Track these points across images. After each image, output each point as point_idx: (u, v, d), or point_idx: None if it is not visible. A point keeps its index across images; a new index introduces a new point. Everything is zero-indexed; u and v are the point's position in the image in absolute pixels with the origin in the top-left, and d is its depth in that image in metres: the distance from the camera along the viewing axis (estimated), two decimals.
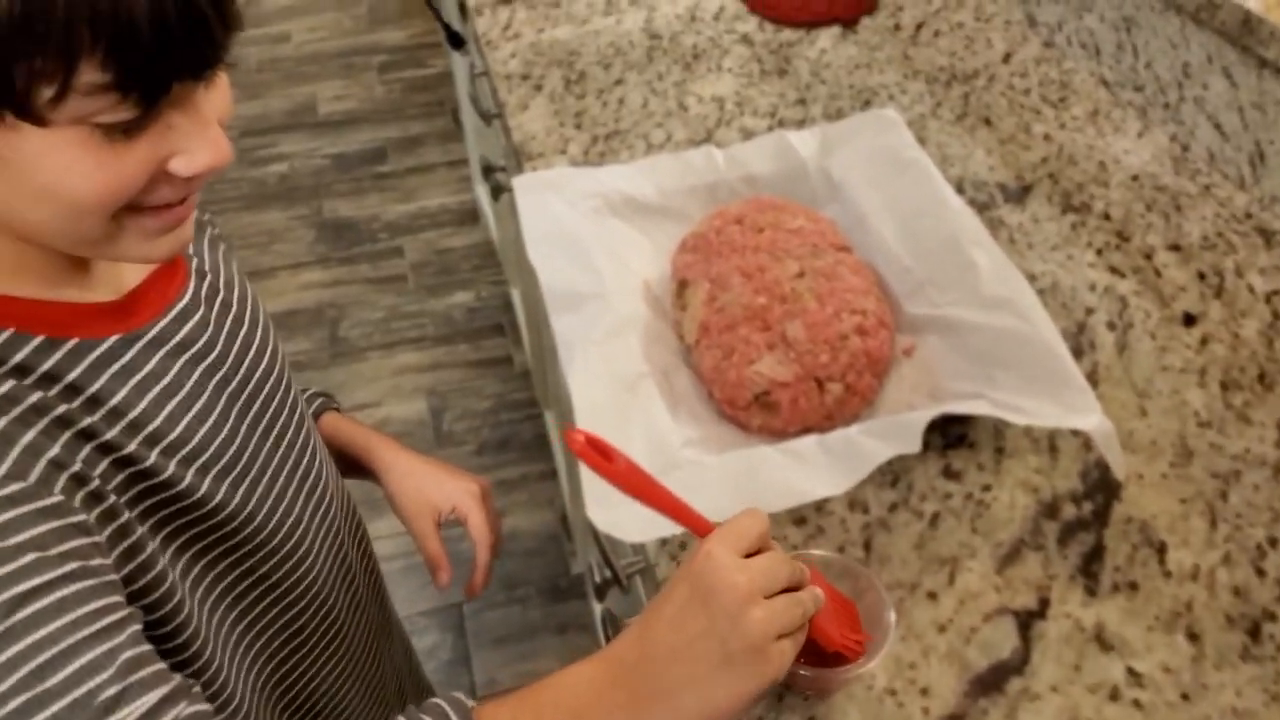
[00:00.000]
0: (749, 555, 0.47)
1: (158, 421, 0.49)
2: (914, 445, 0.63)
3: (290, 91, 2.77)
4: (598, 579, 0.76)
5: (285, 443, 0.60)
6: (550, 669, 0.48)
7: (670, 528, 0.61)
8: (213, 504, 0.52)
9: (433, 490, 0.73)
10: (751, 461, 0.65)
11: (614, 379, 0.70)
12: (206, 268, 0.58)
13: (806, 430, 0.70)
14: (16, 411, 0.43)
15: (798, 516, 0.66)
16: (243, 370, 0.57)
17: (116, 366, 0.48)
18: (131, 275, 0.51)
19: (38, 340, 0.45)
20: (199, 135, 0.42)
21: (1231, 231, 0.87)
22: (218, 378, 0.54)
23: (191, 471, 0.51)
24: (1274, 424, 0.71)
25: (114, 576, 0.43)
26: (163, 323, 0.52)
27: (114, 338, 0.49)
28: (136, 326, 0.50)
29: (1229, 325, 0.78)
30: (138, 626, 0.43)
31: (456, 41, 1.49)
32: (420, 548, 0.73)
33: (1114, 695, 0.56)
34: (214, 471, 0.53)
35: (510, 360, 1.95)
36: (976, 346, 0.71)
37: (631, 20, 1.20)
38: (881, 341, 0.71)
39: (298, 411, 0.63)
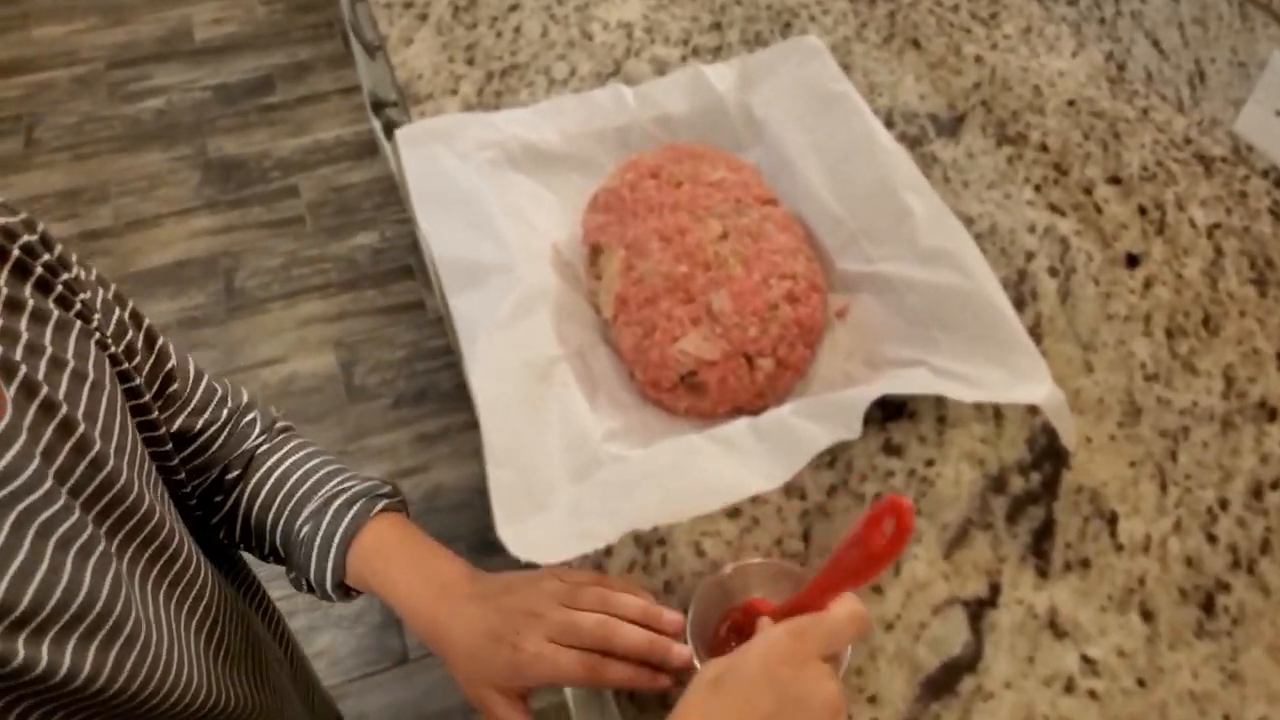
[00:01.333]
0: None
1: None
2: (854, 430, 0.57)
3: (161, 15, 2.50)
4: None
5: (155, 571, 0.50)
6: None
7: (584, 547, 0.54)
8: (62, 672, 0.42)
9: (475, 657, 0.52)
10: (680, 455, 0.59)
11: (523, 367, 0.62)
12: (17, 357, 0.44)
13: (737, 410, 0.64)
14: None
15: (731, 509, 0.60)
16: (84, 493, 0.45)
17: None
18: None
19: None
20: None
21: (1171, 160, 0.82)
22: (44, 517, 0.43)
23: (23, 639, 0.41)
24: (1220, 373, 0.67)
25: None
26: None
27: None
28: None
29: (1172, 265, 0.74)
30: None
31: None
32: None
33: (1069, 687, 0.53)
34: (52, 633, 0.42)
35: (422, 305, 1.84)
36: (915, 306, 0.66)
37: None
38: (813, 308, 0.65)
39: (155, 516, 0.51)
